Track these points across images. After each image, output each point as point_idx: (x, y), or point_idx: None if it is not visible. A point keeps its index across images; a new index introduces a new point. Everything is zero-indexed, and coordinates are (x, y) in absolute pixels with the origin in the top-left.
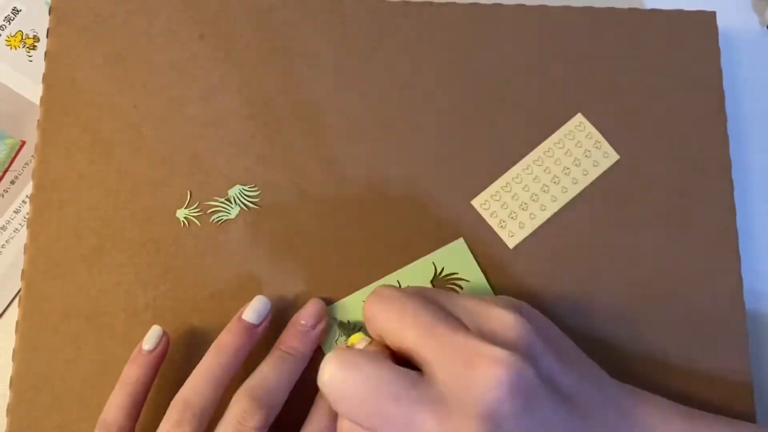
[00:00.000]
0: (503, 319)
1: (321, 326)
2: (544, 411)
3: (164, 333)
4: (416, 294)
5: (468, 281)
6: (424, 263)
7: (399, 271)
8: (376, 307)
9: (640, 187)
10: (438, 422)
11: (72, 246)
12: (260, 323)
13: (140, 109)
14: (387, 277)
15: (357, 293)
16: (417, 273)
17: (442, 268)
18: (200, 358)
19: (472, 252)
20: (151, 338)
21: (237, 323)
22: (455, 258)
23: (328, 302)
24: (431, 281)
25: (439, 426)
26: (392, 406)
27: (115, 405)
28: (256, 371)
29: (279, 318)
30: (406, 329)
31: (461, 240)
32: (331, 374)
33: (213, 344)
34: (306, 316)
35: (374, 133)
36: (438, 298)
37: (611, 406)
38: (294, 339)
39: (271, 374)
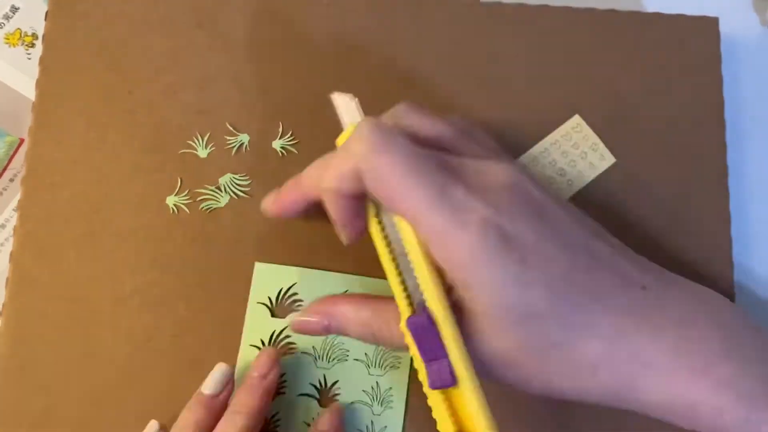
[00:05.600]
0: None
1: (273, 374)
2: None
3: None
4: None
5: None
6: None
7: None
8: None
9: (635, 191)
10: (465, 196)
11: (62, 230)
12: (219, 393)
13: (135, 95)
14: (341, 274)
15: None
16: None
17: None
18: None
19: None
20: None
21: (195, 399)
22: None
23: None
24: None
25: (465, 198)
26: (427, 163)
27: None
28: None
29: None
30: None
31: None
32: (369, 127)
33: (173, 427)
34: (257, 366)
35: None
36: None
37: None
38: (244, 395)
39: None
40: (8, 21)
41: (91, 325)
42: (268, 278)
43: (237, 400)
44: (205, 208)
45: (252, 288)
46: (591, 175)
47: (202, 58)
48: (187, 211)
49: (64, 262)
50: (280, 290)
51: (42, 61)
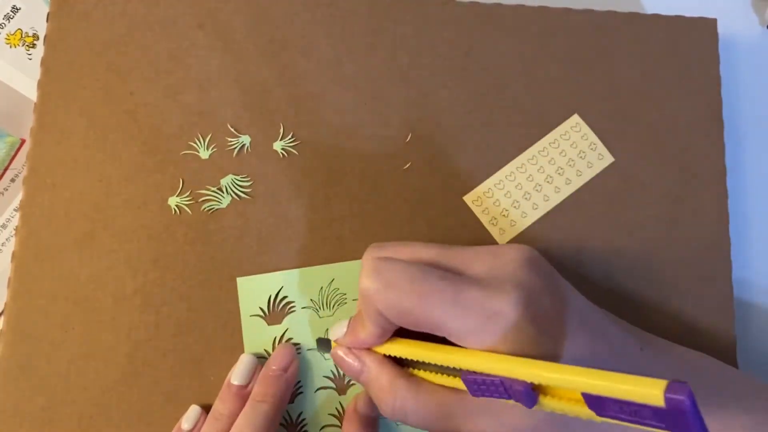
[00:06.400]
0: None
1: (293, 368)
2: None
3: (202, 412)
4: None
5: None
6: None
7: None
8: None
9: (633, 190)
10: (482, 293)
11: (63, 230)
12: (249, 383)
13: (136, 96)
14: (322, 266)
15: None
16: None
17: None
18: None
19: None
20: (190, 418)
21: (226, 389)
22: None
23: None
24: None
25: (483, 295)
26: (440, 282)
27: None
28: (232, 428)
29: None
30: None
31: None
32: (374, 266)
33: (209, 415)
34: (277, 361)
35: (369, 127)
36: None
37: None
38: (266, 386)
39: (246, 428)
40: (9, 21)
41: (92, 324)
42: (254, 289)
43: (260, 389)
44: (206, 208)
45: (240, 303)
46: (589, 174)
47: (203, 58)
48: (189, 212)
49: (65, 262)
50: (269, 298)
51: (43, 62)
